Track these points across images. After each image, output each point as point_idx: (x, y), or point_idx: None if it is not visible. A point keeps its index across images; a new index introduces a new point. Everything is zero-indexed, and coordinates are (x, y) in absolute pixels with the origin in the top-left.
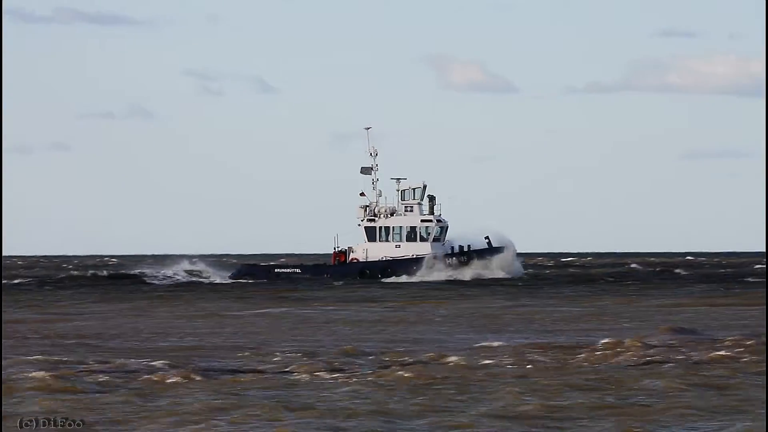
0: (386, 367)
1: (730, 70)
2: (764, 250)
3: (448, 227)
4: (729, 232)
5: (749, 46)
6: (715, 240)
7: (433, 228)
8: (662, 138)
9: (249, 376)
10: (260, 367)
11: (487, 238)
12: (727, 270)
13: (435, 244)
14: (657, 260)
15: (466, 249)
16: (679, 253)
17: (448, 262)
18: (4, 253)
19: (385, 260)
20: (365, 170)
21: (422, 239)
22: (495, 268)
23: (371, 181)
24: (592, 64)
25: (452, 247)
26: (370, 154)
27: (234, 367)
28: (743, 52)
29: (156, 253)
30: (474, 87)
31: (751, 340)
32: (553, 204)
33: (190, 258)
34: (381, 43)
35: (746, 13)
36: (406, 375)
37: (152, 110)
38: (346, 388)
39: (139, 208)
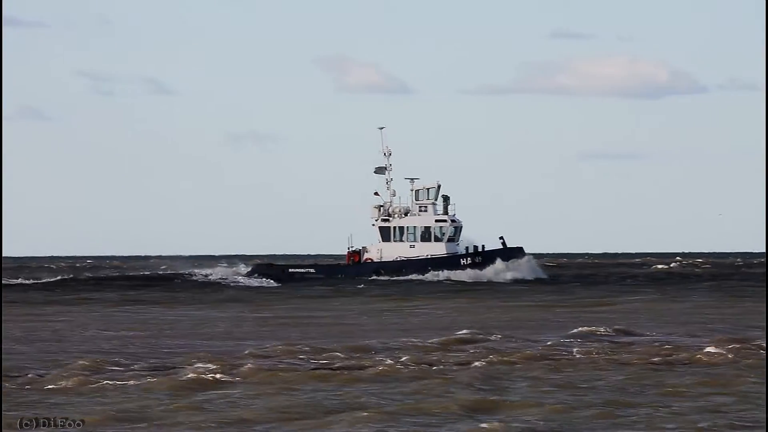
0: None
1: (620, 72)
2: (764, 251)
3: (462, 227)
4: (623, 233)
5: (638, 47)
6: (610, 241)
7: (448, 228)
8: (554, 139)
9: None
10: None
11: (501, 238)
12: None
13: (449, 244)
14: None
15: (480, 249)
16: (574, 254)
17: (462, 262)
18: None
19: (400, 260)
20: (379, 170)
21: (437, 239)
22: (522, 271)
23: (385, 181)
24: (483, 66)
25: (467, 248)
26: (384, 154)
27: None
28: (632, 54)
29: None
30: (370, 89)
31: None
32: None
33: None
34: (276, 44)
35: (635, 14)
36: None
37: (43, 112)
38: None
39: (53, 210)
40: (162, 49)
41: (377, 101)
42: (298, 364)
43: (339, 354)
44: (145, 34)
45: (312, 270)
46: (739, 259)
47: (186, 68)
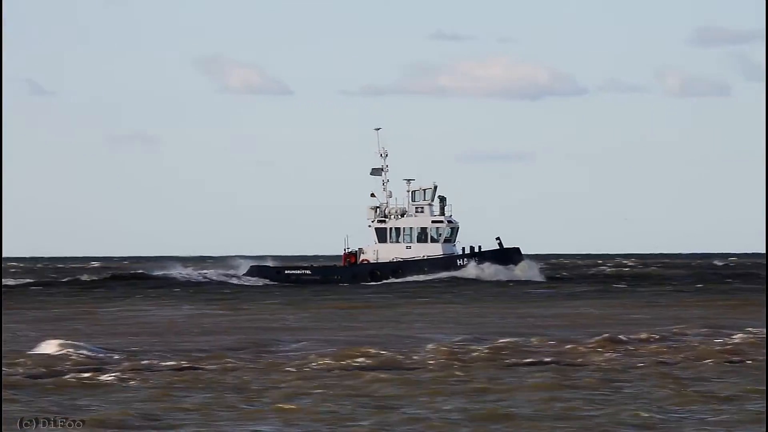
0: None
1: (500, 74)
2: (764, 251)
3: (458, 228)
4: (506, 235)
5: (519, 49)
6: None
7: (444, 229)
8: (437, 140)
9: None
10: None
11: (498, 239)
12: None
13: (446, 245)
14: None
15: (477, 250)
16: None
17: (460, 263)
18: None
19: (396, 261)
20: (375, 171)
21: (433, 240)
22: (519, 273)
23: (381, 182)
24: (365, 67)
25: (463, 248)
26: (380, 155)
27: None
28: (514, 56)
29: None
30: (250, 90)
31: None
32: (332, 207)
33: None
34: (155, 44)
35: (515, 17)
36: None
37: None
38: None
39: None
40: (40, 50)
41: (258, 103)
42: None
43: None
44: (23, 35)
45: (308, 271)
46: (604, 262)
47: (64, 69)
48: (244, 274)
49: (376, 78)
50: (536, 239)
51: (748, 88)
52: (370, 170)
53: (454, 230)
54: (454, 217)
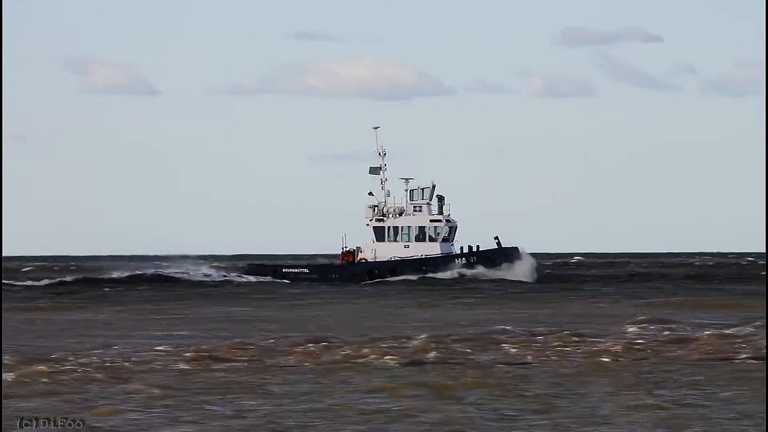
0: None
1: (367, 73)
2: (765, 251)
3: (457, 227)
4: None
5: (386, 49)
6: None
7: (443, 228)
8: (301, 140)
9: None
10: None
11: (496, 238)
12: None
13: (444, 244)
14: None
15: (475, 249)
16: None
17: (457, 262)
18: None
19: (394, 260)
20: (374, 170)
21: (431, 239)
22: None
23: (380, 181)
24: (230, 67)
25: (461, 248)
26: (379, 154)
27: None
28: (380, 56)
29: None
30: (115, 89)
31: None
32: (198, 205)
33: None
34: (16, 44)
35: (383, 17)
36: None
37: None
38: None
39: None
40: None
41: (123, 102)
42: None
43: None
44: None
45: (306, 270)
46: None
47: None
48: (242, 273)
49: (241, 77)
50: None
51: (613, 89)
52: (368, 169)
53: (452, 229)
54: (452, 216)
